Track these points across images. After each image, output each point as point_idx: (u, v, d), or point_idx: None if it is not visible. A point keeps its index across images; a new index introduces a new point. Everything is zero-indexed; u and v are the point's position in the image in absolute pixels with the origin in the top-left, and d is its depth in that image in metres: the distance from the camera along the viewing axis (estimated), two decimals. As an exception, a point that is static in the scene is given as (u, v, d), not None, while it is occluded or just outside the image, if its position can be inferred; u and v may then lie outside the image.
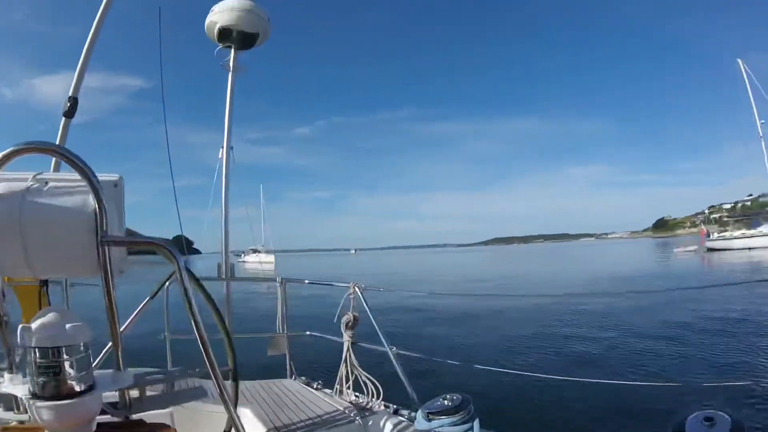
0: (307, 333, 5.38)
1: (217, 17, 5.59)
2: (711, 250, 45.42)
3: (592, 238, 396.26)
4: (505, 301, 15.63)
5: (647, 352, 9.51)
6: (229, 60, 5.73)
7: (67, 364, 1.12)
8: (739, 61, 45.05)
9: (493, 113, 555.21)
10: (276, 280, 5.39)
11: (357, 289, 4.30)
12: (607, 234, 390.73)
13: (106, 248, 1.18)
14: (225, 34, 5.64)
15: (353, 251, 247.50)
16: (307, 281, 5.79)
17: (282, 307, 5.26)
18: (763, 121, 43.44)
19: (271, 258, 70.36)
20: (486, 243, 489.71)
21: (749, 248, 41.17)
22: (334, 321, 4.34)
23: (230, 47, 5.75)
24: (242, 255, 76.74)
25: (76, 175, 1.16)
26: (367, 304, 4.22)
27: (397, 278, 36.59)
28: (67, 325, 1.12)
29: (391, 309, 13.14)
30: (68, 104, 3.67)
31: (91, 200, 1.16)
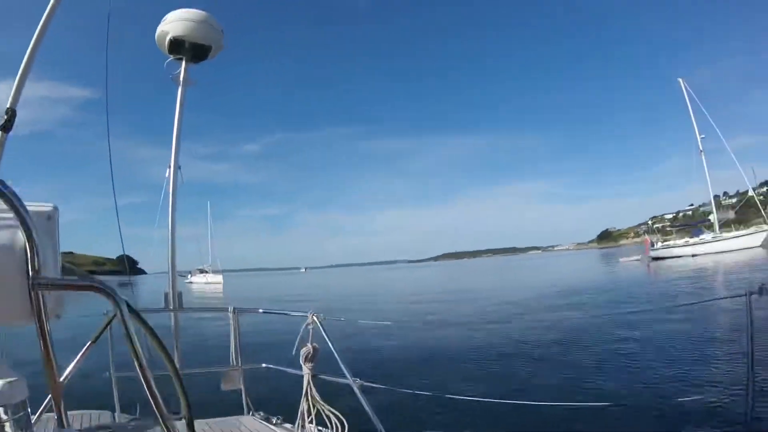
0: (263, 365, 5.02)
1: (169, 27, 5.23)
2: (656, 258, 46.64)
3: (539, 251, 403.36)
4: (468, 329, 15.43)
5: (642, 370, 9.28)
6: (179, 72, 5.39)
7: (6, 426, 0.96)
8: (680, 80, 48.30)
9: (440, 130, 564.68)
10: (228, 310, 5.04)
11: (316, 318, 4.02)
12: (553, 246, 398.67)
13: (39, 292, 0.99)
14: (176, 45, 5.29)
15: (303, 269, 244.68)
16: (261, 310, 5.40)
17: (235, 338, 4.92)
18: (703, 136, 46.34)
19: (219, 278, 68.68)
20: (436, 258, 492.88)
21: (693, 255, 42.65)
22: (293, 353, 4.04)
23: (181, 59, 5.40)
24: (189, 275, 74.87)
25: (3, 206, 0.99)
26: (327, 335, 3.92)
27: (348, 298, 36.14)
28: (1, 382, 0.94)
29: (352, 337, 12.73)
30: (5, 117, 3.38)
31: (21, 236, 0.99)
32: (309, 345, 3.99)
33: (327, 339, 3.89)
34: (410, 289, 42.36)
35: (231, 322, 4.96)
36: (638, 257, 50.40)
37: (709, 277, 26.93)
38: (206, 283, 67.41)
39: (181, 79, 5.37)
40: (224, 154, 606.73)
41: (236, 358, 4.92)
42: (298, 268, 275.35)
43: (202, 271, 73.72)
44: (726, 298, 7.34)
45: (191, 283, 70.08)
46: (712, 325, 11.89)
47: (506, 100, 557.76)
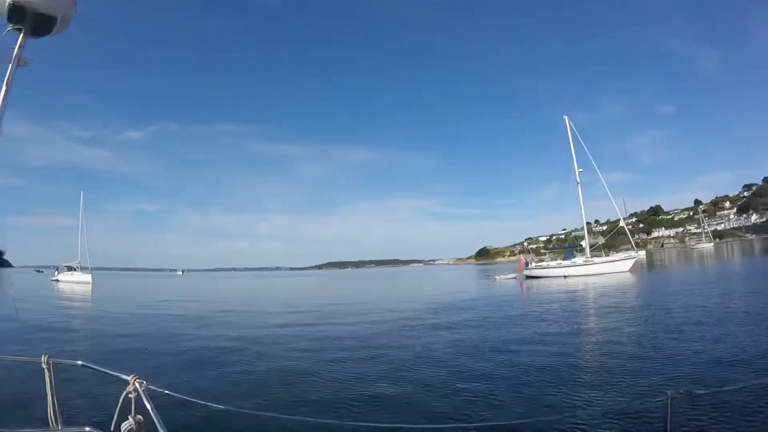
0: (87, 429, 3.83)
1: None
2: (529, 277, 48.53)
3: (421, 264, 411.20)
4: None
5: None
6: (14, 47, 4.13)
7: None
8: (566, 117, 52.70)
9: (332, 140, 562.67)
10: (42, 359, 3.80)
11: (137, 385, 3.07)
12: (434, 260, 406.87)
13: None
14: (16, 12, 4.08)
15: (180, 272, 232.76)
16: (80, 362, 4.14)
17: (52, 395, 3.74)
18: (581, 170, 50.51)
19: (88, 278, 63.76)
20: (320, 267, 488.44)
21: (564, 276, 44.92)
22: (111, 429, 3.08)
23: (20, 30, 4.18)
24: (56, 272, 69.41)
25: None
26: (153, 408, 2.97)
27: (221, 302, 34.68)
28: None
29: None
30: None
31: None
32: (131, 418, 3.06)
33: (152, 413, 2.95)
34: (288, 297, 41.32)
35: (46, 375, 3.75)
36: (514, 275, 52.17)
37: (578, 296, 28.10)
38: (74, 282, 62.79)
39: (15, 54, 4.18)
40: (103, 139, 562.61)
41: (55, 419, 3.78)
42: (175, 270, 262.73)
43: (70, 269, 68.31)
44: (645, 400, 7.12)
45: (58, 281, 65.20)
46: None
47: (402, 120, 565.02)
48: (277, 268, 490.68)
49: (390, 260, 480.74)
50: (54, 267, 76.28)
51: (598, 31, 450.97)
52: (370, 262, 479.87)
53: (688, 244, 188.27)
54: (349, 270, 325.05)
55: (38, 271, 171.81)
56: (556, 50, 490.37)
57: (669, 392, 2.97)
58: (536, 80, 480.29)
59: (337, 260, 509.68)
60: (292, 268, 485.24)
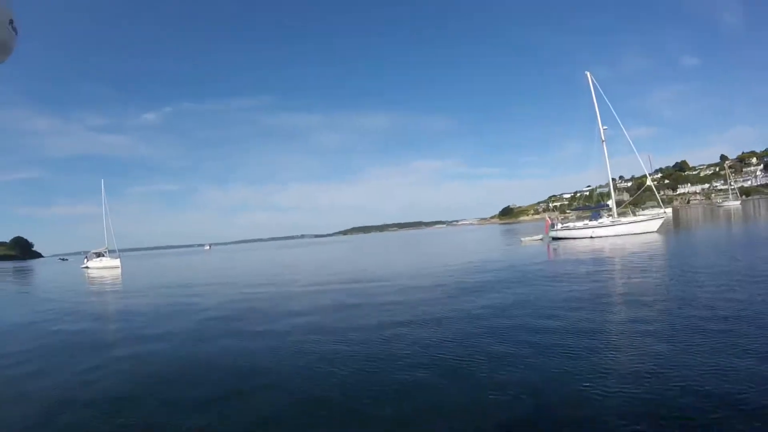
0: None
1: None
2: (556, 239, 48.39)
3: (444, 225, 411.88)
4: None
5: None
6: None
7: None
8: (587, 73, 51.13)
9: (344, 107, 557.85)
10: None
11: None
12: (457, 221, 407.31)
13: None
14: None
15: (207, 246, 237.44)
16: None
17: None
18: (605, 128, 49.36)
19: (117, 262, 65.00)
20: (344, 232, 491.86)
21: (591, 237, 44.74)
22: None
23: None
24: (85, 260, 70.62)
25: None
26: None
27: (249, 274, 35.25)
28: None
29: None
30: None
31: None
32: None
33: None
34: (318, 265, 41.67)
35: None
36: (540, 237, 52.04)
37: (606, 258, 27.91)
38: (103, 268, 63.80)
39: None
40: (121, 126, 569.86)
41: None
42: (203, 245, 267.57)
43: (98, 255, 69.44)
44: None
45: (87, 268, 66.37)
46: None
47: (410, 81, 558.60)
48: (302, 236, 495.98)
49: (413, 222, 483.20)
50: (83, 253, 77.35)
51: None
52: (393, 226, 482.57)
53: (714, 201, 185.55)
54: (372, 234, 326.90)
55: (62, 260, 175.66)
56: (575, 2, 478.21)
57: None
58: (554, 34, 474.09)
59: (361, 225, 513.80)
60: (316, 235, 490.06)
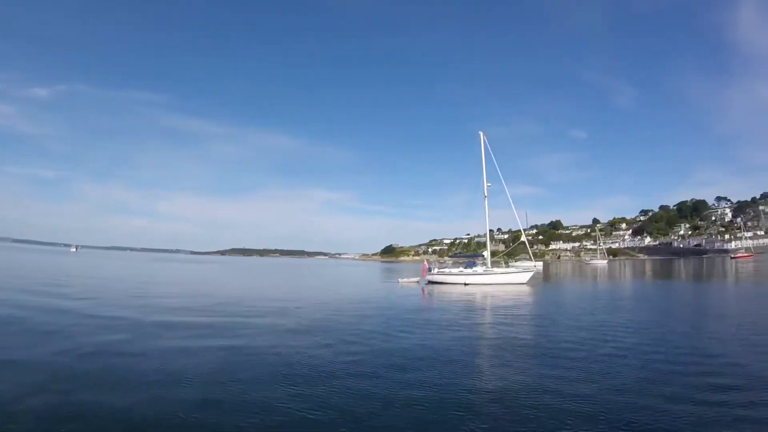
0: None
1: None
2: (431, 282, 49.30)
3: (326, 257, 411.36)
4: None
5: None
6: None
7: None
8: (481, 133, 54.29)
9: (247, 120, 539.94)
10: None
11: None
12: (340, 254, 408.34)
13: None
14: None
15: (74, 248, 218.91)
16: None
17: None
18: (489, 184, 53.44)
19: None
20: (223, 252, 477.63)
21: (465, 284, 45.94)
22: None
23: None
24: None
25: None
26: None
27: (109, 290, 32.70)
28: None
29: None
30: None
31: None
32: None
33: None
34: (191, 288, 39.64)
35: None
36: (416, 279, 52.86)
37: (472, 305, 28.66)
38: None
39: None
40: (3, 93, 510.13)
41: None
42: (69, 246, 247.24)
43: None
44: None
45: None
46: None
47: (322, 112, 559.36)
48: (178, 251, 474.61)
49: (296, 251, 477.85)
50: None
51: (527, 55, 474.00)
52: (276, 251, 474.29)
53: (583, 258, 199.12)
54: (253, 258, 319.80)
55: None
56: (485, 66, 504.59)
57: None
58: (459, 91, 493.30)
59: (242, 247, 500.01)
60: (193, 252, 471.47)
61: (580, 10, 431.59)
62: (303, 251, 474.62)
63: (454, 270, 51.65)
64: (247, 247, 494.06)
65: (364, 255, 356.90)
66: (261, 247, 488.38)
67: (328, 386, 9.58)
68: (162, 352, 12.18)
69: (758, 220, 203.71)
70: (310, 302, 27.73)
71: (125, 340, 13.76)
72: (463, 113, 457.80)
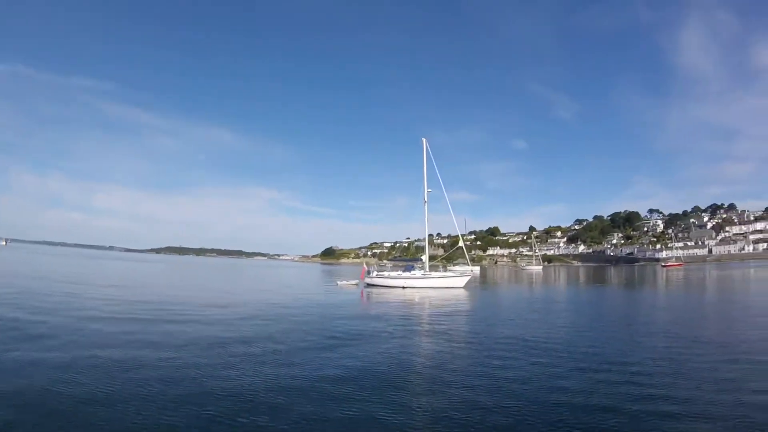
0: None
1: None
2: (370, 285, 49.50)
3: (265, 258, 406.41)
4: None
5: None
6: None
7: None
8: (423, 140, 54.77)
9: (187, 111, 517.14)
10: None
11: None
12: (279, 255, 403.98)
13: None
14: None
15: (3, 242, 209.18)
16: None
17: None
18: (430, 190, 53.93)
19: None
20: (158, 251, 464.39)
21: (403, 287, 46.35)
22: None
23: None
24: None
25: None
26: None
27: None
28: None
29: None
30: None
31: None
32: None
33: None
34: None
35: None
36: (355, 282, 52.96)
37: (413, 308, 28.96)
38: None
39: None
40: None
41: None
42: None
43: None
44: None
45: None
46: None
47: (265, 109, 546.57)
48: (111, 248, 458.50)
49: (234, 251, 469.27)
50: None
51: (474, 65, 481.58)
52: (213, 251, 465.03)
53: (519, 264, 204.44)
54: (190, 257, 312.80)
55: None
56: (431, 73, 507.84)
57: None
58: (404, 96, 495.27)
59: (177, 245, 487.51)
60: (127, 249, 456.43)
61: (529, 23, 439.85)
62: (241, 251, 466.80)
63: (393, 273, 52.13)
64: (183, 246, 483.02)
65: (303, 257, 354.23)
66: (198, 246, 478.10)
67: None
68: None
69: (688, 232, 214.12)
70: (238, 307, 25.79)
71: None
72: (408, 118, 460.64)
